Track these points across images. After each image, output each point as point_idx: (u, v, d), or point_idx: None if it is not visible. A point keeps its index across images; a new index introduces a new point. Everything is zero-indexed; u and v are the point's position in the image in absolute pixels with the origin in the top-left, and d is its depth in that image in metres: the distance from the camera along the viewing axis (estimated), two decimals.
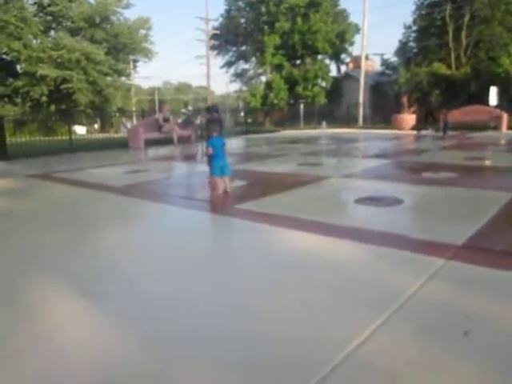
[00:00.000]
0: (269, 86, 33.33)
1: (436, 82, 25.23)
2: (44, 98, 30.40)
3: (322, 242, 3.28)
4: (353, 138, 15.12)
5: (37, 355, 1.88)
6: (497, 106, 17.11)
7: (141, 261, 3.06)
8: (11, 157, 10.96)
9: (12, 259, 3.22)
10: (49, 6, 30.96)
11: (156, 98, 56.80)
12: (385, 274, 2.62)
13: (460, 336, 1.88)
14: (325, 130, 15.19)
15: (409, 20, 34.16)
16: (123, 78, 37.17)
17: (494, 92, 18.75)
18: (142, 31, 35.76)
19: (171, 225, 4.22)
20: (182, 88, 78.42)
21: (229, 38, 36.58)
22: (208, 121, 6.85)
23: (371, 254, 2.95)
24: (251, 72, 39.60)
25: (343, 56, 37.14)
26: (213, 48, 37.15)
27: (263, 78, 37.57)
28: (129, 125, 18.57)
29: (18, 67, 31.13)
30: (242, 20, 36.78)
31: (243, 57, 38.33)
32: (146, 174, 7.40)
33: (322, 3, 33.13)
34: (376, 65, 37.61)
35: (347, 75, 35.79)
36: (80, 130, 24.87)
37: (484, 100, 19.64)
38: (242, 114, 24.90)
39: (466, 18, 25.52)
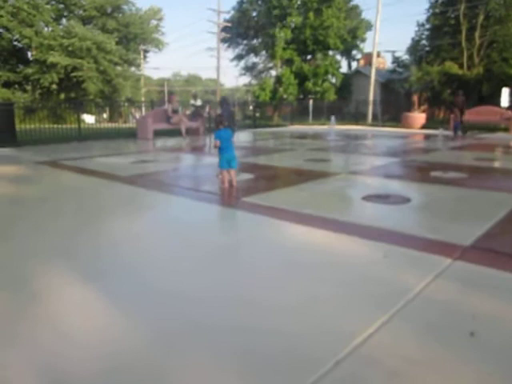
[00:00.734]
0: (279, 80, 33.20)
1: (447, 82, 24.98)
2: (54, 86, 30.50)
3: (329, 238, 3.27)
4: (361, 135, 15.04)
5: (41, 342, 1.89)
6: (508, 108, 16.91)
7: (146, 251, 3.06)
8: (20, 143, 11.01)
9: (18, 245, 3.23)
10: None
11: (165, 89, 56.81)
12: (391, 272, 2.61)
13: (466, 336, 1.86)
14: (333, 127, 15.10)
15: (422, 18, 33.93)
16: (133, 68, 37.20)
17: (506, 93, 18.56)
18: (153, 22, 35.75)
19: (177, 216, 4.22)
20: (192, 80, 78.38)
21: (240, 30, 36.42)
22: (219, 113, 6.87)
23: (377, 251, 2.93)
24: (261, 66, 39.44)
25: (354, 52, 36.85)
26: (224, 41, 37.05)
27: (273, 72, 37.42)
28: (137, 115, 18.57)
29: (29, 54, 31.23)
30: (254, 13, 36.57)
31: (254, 50, 38.15)
32: (154, 165, 7.41)
33: None
34: (387, 62, 37.34)
35: (358, 72, 35.53)
36: (89, 118, 24.92)
37: (496, 101, 19.45)
38: (251, 107, 24.80)
39: (481, 18, 25.20)
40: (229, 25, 35.43)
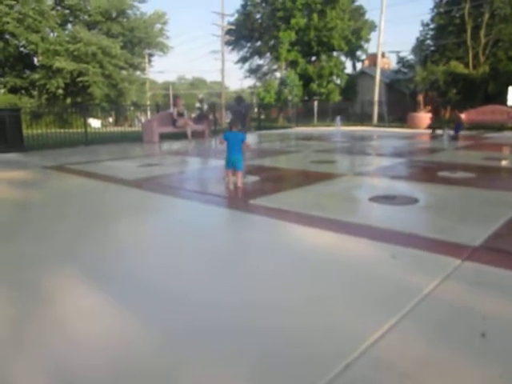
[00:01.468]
0: (283, 82, 33.19)
1: (453, 81, 24.86)
2: (60, 91, 30.67)
3: (336, 240, 3.26)
4: (367, 136, 15.00)
5: (49, 345, 1.90)
6: None
7: (153, 255, 3.07)
8: (27, 148, 11.09)
9: (26, 248, 3.25)
10: None
11: (170, 92, 57.00)
12: (400, 273, 2.59)
13: (477, 337, 1.85)
14: (339, 128, 15.08)
15: (427, 17, 33.84)
16: (138, 72, 37.32)
17: None
18: (158, 26, 35.81)
19: (184, 219, 4.23)
20: (197, 83, 78.59)
21: (244, 33, 36.49)
22: (234, 113, 6.88)
23: (386, 252, 2.92)
24: (266, 68, 39.50)
25: (359, 53, 36.82)
26: (228, 43, 37.13)
27: (278, 74, 37.45)
28: (143, 119, 18.64)
29: (35, 60, 31.46)
30: (258, 15, 36.64)
31: (258, 52, 38.21)
32: (160, 168, 7.43)
33: (339, 0, 32.85)
34: (392, 62, 37.24)
35: (362, 73, 35.47)
36: (95, 122, 25.04)
37: (502, 100, 19.32)
38: (256, 109, 24.81)
39: (486, 17, 25.08)
40: (233, 27, 35.52)
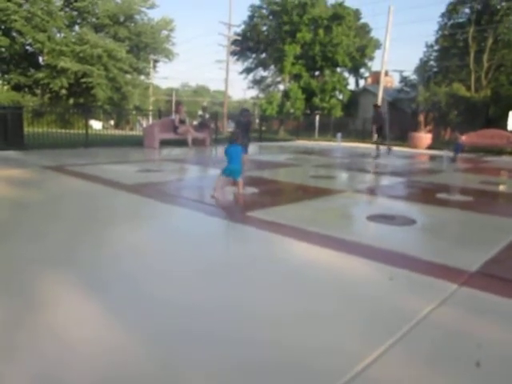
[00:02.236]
0: (286, 94, 33.43)
1: (454, 103, 25.07)
2: (63, 91, 30.76)
3: (333, 257, 3.24)
4: (367, 154, 15.04)
5: (41, 351, 1.87)
6: None
7: (147, 262, 3.04)
8: (27, 147, 11.06)
9: (20, 250, 3.22)
10: (75, 1, 31.38)
11: (173, 98, 57.20)
12: (395, 295, 2.58)
13: (471, 366, 1.83)
14: (339, 143, 15.13)
15: (431, 39, 34.11)
16: (142, 77, 37.49)
17: None
18: (165, 32, 36.07)
19: (180, 227, 4.20)
20: (200, 91, 78.98)
21: (250, 44, 36.81)
22: (236, 124, 6.99)
23: (382, 273, 2.90)
24: (269, 80, 39.79)
25: (362, 70, 37.17)
26: (233, 53, 37.37)
27: (281, 87, 37.72)
28: (144, 123, 18.68)
29: (41, 59, 31.57)
30: (264, 28, 37.01)
31: (263, 64, 38.53)
32: (159, 174, 7.42)
33: (346, 17, 33.24)
34: (395, 81, 37.52)
35: (365, 90, 35.72)
36: (96, 124, 25.07)
37: (503, 124, 19.47)
38: (258, 120, 24.91)
39: (489, 42, 25.39)
40: (239, 38, 35.79)
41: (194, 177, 8.16)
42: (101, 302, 2.36)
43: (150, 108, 37.26)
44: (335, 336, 2.06)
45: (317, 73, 35.25)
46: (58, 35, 30.97)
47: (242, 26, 36.87)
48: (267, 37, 36.42)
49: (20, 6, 27.54)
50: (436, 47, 29.58)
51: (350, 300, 2.48)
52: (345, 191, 6.35)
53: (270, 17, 36.11)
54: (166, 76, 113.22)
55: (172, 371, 1.75)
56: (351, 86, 36.47)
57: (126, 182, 6.31)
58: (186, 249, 3.43)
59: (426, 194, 6.72)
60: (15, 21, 27.10)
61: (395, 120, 27.12)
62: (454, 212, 5.17)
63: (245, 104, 59.95)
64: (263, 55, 38.08)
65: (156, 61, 39.05)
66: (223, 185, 5.46)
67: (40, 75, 29.63)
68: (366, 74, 38.01)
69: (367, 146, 19.37)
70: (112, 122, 30.48)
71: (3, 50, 28.52)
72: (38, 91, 31.71)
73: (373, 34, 37.89)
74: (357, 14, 35.49)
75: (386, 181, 7.92)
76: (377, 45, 35.51)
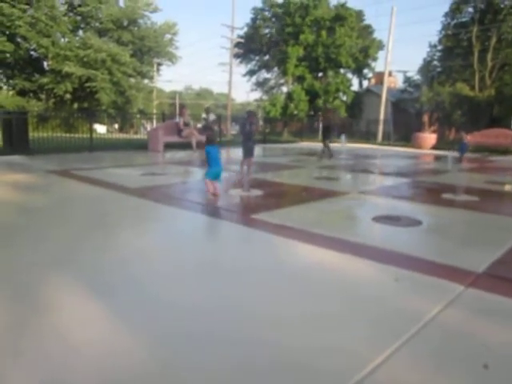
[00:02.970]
0: (290, 96, 33.43)
1: (458, 103, 25.00)
2: (68, 96, 30.93)
3: (338, 259, 3.23)
4: (371, 155, 15.02)
5: (45, 353, 1.87)
6: None
7: (151, 264, 3.04)
8: (32, 151, 11.12)
9: (26, 254, 3.23)
10: (79, 6, 31.58)
11: (177, 101, 57.33)
12: (401, 297, 2.56)
13: (479, 368, 1.81)
14: (343, 145, 15.10)
15: (434, 39, 34.04)
16: (146, 81, 37.67)
17: None
18: (168, 36, 36.25)
19: (185, 230, 4.21)
20: (203, 94, 79.15)
21: (253, 46, 36.85)
22: (242, 127, 7.12)
23: (388, 274, 2.89)
24: (273, 82, 39.82)
25: (366, 71, 37.11)
26: (236, 56, 37.43)
27: (284, 89, 37.73)
28: (148, 127, 18.73)
29: (45, 64, 31.77)
30: (267, 30, 37.06)
31: (266, 66, 38.57)
32: (163, 178, 7.43)
33: (348, 18, 33.21)
34: (398, 81, 37.47)
35: (368, 90, 35.69)
36: (100, 128, 25.18)
37: (507, 124, 19.39)
38: (261, 122, 24.93)
39: (493, 41, 25.31)
40: (242, 41, 35.85)
41: (199, 180, 8.16)
42: (107, 304, 2.36)
43: (154, 111, 37.36)
44: (340, 338, 2.05)
45: (320, 74, 35.23)
46: (62, 40, 31.16)
47: (245, 29, 36.95)
48: (270, 39, 36.47)
49: (24, 11, 27.75)
50: (439, 47, 29.51)
51: (355, 302, 2.47)
52: (349, 192, 6.33)
53: (273, 19, 36.17)
54: (170, 79, 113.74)
55: (178, 373, 1.75)
56: (355, 86, 36.44)
57: (131, 185, 6.32)
58: (190, 251, 3.43)
59: (432, 194, 6.70)
60: (20, 26, 27.29)
61: (399, 120, 27.09)
62: (459, 212, 5.14)
63: (248, 106, 60.07)
64: (266, 57, 38.13)
65: (159, 64, 39.26)
66: (215, 187, 5.48)
67: (44, 80, 29.82)
68: (370, 75, 37.98)
69: (372, 147, 19.34)
70: (116, 126, 30.61)
71: (8, 55, 28.71)
72: (43, 96, 31.90)
73: (376, 34, 37.99)
74: (359, 15, 35.47)
75: (390, 181, 7.89)
76: (380, 46, 35.48)
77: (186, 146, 13.59)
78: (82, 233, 3.90)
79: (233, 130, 27.64)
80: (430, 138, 19.39)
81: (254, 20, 36.73)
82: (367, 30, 36.05)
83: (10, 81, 30.83)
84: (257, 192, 5.99)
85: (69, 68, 28.94)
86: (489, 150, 16.62)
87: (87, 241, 3.64)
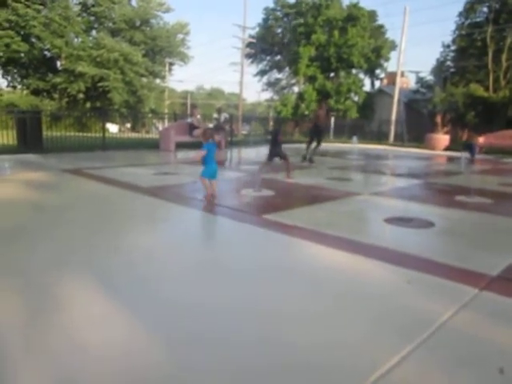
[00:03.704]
0: (301, 96, 33.36)
1: (472, 104, 24.69)
2: (81, 95, 31.25)
3: (350, 260, 3.22)
4: (383, 155, 14.92)
5: (56, 353, 1.89)
6: None
7: (164, 263, 3.06)
8: (46, 150, 11.25)
9: (39, 253, 3.27)
10: (92, 6, 31.89)
11: (188, 101, 57.55)
12: (414, 300, 2.54)
13: (494, 372, 1.79)
14: (355, 145, 15.04)
15: (448, 39, 33.73)
16: (158, 80, 37.91)
17: None
18: (180, 36, 36.44)
19: (196, 229, 4.23)
20: (215, 93, 79.33)
21: (264, 46, 36.88)
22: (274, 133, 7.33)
23: (400, 276, 2.87)
24: (284, 82, 39.81)
25: (378, 71, 36.86)
26: (248, 56, 37.49)
27: (295, 89, 37.66)
28: (160, 126, 18.83)
29: (58, 64, 32.12)
30: (279, 30, 37.05)
31: (277, 66, 38.57)
32: (175, 177, 7.47)
33: (360, 18, 33.03)
34: (411, 82, 37.15)
35: (381, 91, 35.45)
36: (112, 128, 25.38)
37: None
38: (272, 123, 24.91)
39: (508, 41, 24.96)
40: (253, 41, 35.88)
41: None
42: (118, 303, 2.38)
43: (166, 111, 37.56)
44: (351, 339, 2.04)
45: (332, 74, 35.08)
46: (76, 40, 31.49)
47: (257, 29, 36.98)
48: (282, 39, 36.47)
49: (39, 11, 28.09)
50: (453, 47, 29.18)
51: (366, 304, 2.46)
52: (361, 193, 6.30)
53: (285, 19, 36.15)
54: (182, 79, 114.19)
55: (188, 374, 1.76)
56: (367, 87, 36.23)
57: (143, 184, 6.36)
58: (202, 251, 3.44)
59: (444, 196, 6.63)
60: (34, 26, 27.64)
61: (411, 121, 26.88)
62: (473, 215, 5.08)
63: (259, 106, 60.09)
64: (278, 57, 38.13)
65: (171, 64, 39.47)
66: (213, 187, 5.43)
67: (58, 80, 30.16)
68: (382, 75, 37.72)
69: (384, 148, 19.22)
70: (128, 125, 30.83)
71: (22, 55, 29.07)
72: (56, 95, 32.26)
73: (388, 34, 37.69)
74: (372, 15, 35.24)
75: (403, 183, 7.83)
76: (392, 46, 35.22)
77: (197, 145, 13.62)
78: (94, 231, 3.93)
79: (243, 130, 27.66)
80: (443, 139, 19.19)
81: (265, 20, 36.75)
82: (380, 30, 35.80)
83: (25, 80, 31.23)
84: (269, 192, 5.99)
85: (82, 68, 29.23)
86: (503, 152, 16.40)
87: (100, 239, 3.67)
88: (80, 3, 32.47)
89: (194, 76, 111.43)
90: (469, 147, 13.21)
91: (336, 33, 32.57)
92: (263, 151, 13.95)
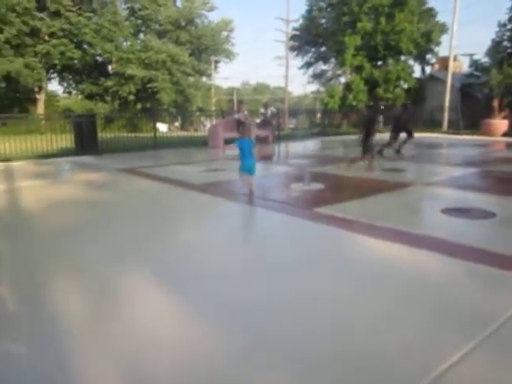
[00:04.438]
0: (348, 87, 32.68)
1: None
2: (131, 97, 32.27)
3: (406, 253, 3.14)
4: (437, 144, 14.37)
5: (124, 344, 1.98)
6: None
7: (220, 260, 3.12)
8: (101, 151, 11.74)
9: (102, 248, 3.43)
10: (139, 10, 32.79)
11: (235, 97, 58.01)
12: (476, 293, 2.45)
13: None
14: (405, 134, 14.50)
15: (504, 17, 31.76)
16: (204, 79, 38.42)
17: None
18: (224, 33, 36.71)
19: (250, 225, 4.28)
20: (260, 88, 79.43)
21: (309, 38, 36.39)
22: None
23: (461, 269, 2.77)
24: (330, 73, 39.11)
25: (428, 57, 35.42)
26: (292, 49, 37.19)
27: (342, 80, 36.95)
28: (208, 124, 19.12)
29: (109, 68, 33.34)
30: (323, 20, 36.43)
31: (322, 58, 37.96)
32: (225, 173, 7.56)
33: (408, 2, 31.83)
34: (464, 66, 35.42)
35: (432, 77, 34.03)
36: (162, 127, 26.04)
37: None
38: (319, 115, 24.64)
39: None
40: (297, 33, 35.53)
41: (259, 175, 8.22)
42: (176, 298, 2.46)
43: (213, 108, 38.09)
44: (410, 337, 2.00)
45: (379, 63, 34.10)
46: (125, 44, 32.52)
47: (300, 21, 36.55)
48: (326, 30, 35.82)
49: (89, 19, 29.24)
50: (509, 26, 27.51)
51: (425, 299, 2.39)
52: (416, 184, 6.11)
53: (329, 9, 35.48)
54: (227, 76, 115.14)
55: (248, 372, 1.79)
56: (417, 73, 34.91)
57: (194, 181, 6.50)
58: (256, 247, 3.48)
59: (504, 184, 6.30)
60: (85, 33, 28.82)
61: (466, 107, 25.65)
62: None
63: (305, 99, 59.56)
64: (323, 48, 37.51)
65: (217, 62, 39.86)
66: (249, 182, 5.43)
67: (109, 83, 31.29)
68: (433, 60, 36.21)
69: (437, 136, 18.50)
70: (177, 124, 31.52)
71: (76, 61, 30.39)
72: (108, 98, 33.49)
73: (439, 17, 36.06)
74: None
75: (458, 172, 7.51)
76: (443, 29, 33.67)
77: None
78: (151, 227, 4.07)
79: (290, 123, 27.52)
80: (501, 124, 18.20)
81: (309, 11, 36.23)
82: (429, 13, 34.33)
83: (79, 85, 32.63)
84: (318, 185, 5.94)
85: (131, 70, 30.17)
86: None
87: (157, 234, 3.79)
88: (128, 8, 33.49)
89: (239, 73, 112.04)
90: None
91: (383, 20, 31.58)
92: (311, 145, 13.84)
